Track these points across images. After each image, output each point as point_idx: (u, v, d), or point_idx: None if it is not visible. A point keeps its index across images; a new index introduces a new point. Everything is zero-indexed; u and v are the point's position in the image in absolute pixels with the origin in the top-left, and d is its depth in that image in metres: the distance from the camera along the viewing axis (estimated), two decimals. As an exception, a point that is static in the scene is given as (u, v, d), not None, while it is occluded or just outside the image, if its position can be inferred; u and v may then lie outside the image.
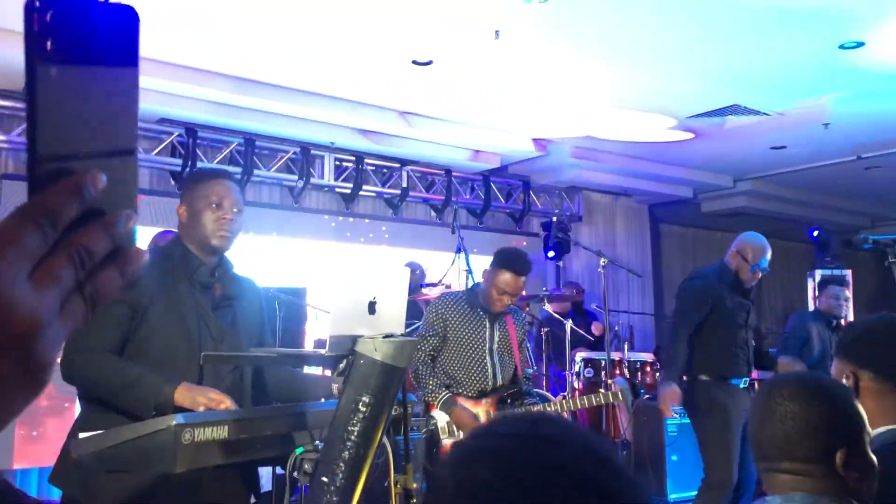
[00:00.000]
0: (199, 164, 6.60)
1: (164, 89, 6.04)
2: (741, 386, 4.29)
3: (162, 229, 5.04)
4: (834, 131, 7.41)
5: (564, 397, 4.13)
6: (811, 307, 5.50)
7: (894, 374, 1.70)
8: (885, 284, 4.98)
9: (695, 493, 5.26)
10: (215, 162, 6.86)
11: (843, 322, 5.61)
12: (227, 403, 2.11)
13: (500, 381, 3.73)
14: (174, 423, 1.81)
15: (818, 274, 6.22)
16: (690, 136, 7.56)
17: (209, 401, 2.09)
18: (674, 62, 5.79)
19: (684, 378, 4.40)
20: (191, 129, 6.65)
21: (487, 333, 3.71)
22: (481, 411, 3.60)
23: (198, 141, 6.70)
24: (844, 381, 1.71)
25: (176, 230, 2.47)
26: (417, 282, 6.56)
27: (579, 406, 3.91)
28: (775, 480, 1.45)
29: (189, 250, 2.38)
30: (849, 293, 5.53)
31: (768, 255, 4.33)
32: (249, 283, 2.59)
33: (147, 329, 2.26)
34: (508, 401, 3.71)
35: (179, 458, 1.80)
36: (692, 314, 4.25)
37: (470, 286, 4.05)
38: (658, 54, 5.65)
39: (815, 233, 8.02)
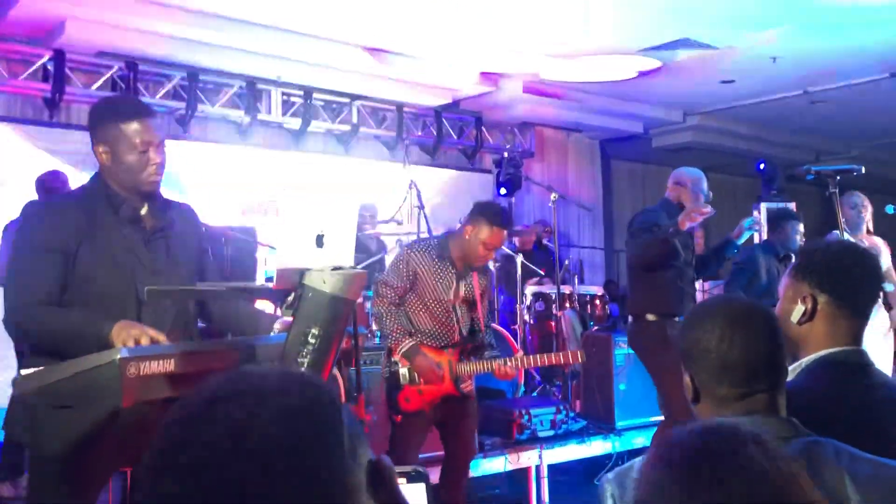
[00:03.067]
0: (143, 99, 6.40)
1: (103, 20, 5.81)
2: None
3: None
4: (782, 65, 7.48)
5: (527, 353, 4.22)
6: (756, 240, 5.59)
7: (852, 300, 1.77)
8: (828, 215, 5.10)
9: (641, 420, 5.44)
10: (157, 97, 6.66)
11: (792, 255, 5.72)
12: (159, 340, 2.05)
13: (463, 334, 3.82)
14: (119, 356, 1.79)
15: (763, 207, 6.33)
16: (657, 63, 7.43)
17: (131, 339, 2.00)
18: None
19: (629, 318, 4.43)
20: (131, 63, 6.42)
21: (454, 288, 3.76)
22: (444, 361, 3.68)
23: (138, 75, 6.49)
24: (800, 302, 1.76)
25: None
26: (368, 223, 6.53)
27: (536, 364, 3.98)
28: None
29: (112, 189, 2.28)
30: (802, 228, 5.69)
31: (706, 184, 4.38)
32: (182, 208, 2.48)
33: (80, 273, 2.20)
34: (470, 352, 3.80)
35: (125, 391, 1.78)
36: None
37: (439, 236, 4.02)
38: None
39: (762, 165, 8.15)
